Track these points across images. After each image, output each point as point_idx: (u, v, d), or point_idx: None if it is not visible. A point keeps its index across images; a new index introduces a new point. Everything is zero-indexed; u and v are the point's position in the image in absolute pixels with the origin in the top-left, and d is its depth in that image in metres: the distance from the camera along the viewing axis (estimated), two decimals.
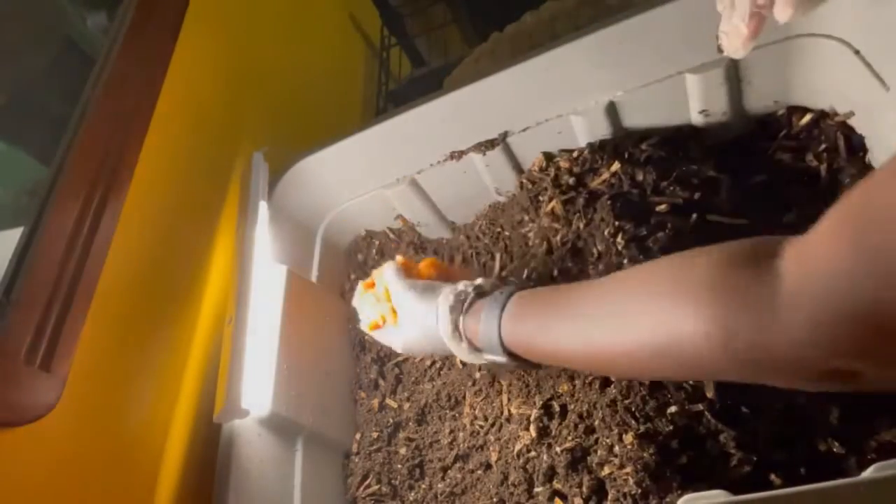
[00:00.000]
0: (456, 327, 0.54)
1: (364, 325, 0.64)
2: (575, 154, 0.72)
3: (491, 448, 0.63)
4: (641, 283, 0.43)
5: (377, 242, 0.87)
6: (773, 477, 0.47)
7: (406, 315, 0.59)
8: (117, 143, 0.64)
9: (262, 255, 0.72)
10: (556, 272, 0.63)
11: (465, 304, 0.54)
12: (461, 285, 0.56)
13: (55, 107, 0.79)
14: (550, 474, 0.55)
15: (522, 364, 0.53)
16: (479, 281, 0.56)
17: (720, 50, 0.47)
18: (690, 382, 0.51)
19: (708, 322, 0.36)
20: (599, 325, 0.44)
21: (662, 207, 0.63)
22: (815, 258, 0.33)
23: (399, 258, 0.64)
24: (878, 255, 0.28)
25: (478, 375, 0.68)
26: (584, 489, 0.52)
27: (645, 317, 0.41)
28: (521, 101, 0.71)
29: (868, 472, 0.34)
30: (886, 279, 0.28)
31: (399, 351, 0.63)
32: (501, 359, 0.52)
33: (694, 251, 0.41)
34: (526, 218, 0.73)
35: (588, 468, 0.53)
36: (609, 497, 0.50)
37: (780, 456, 0.48)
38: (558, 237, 0.65)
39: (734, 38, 0.45)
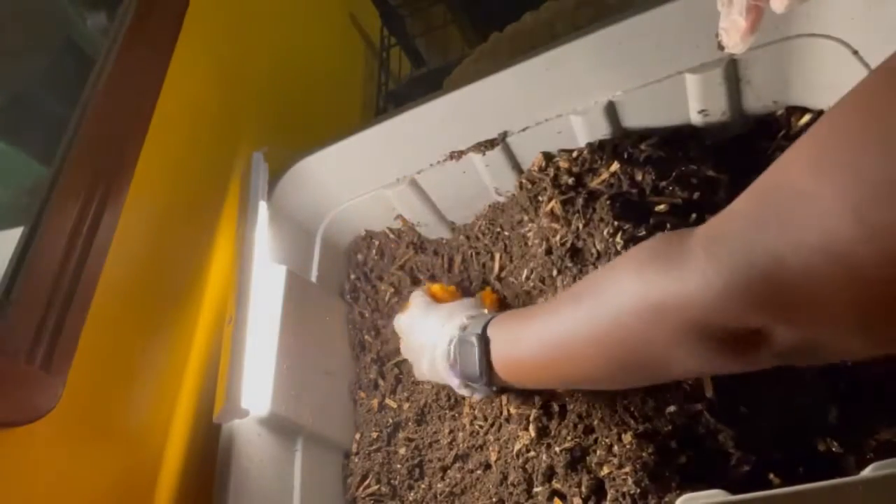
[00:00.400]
0: (451, 360, 0.58)
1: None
2: (574, 154, 0.72)
3: (490, 448, 0.63)
4: (587, 277, 0.49)
5: (377, 242, 0.87)
6: (771, 476, 0.47)
7: (414, 342, 0.65)
8: (117, 143, 0.64)
9: (262, 256, 0.72)
10: (555, 272, 0.64)
11: (454, 345, 0.57)
12: (460, 319, 0.60)
13: (55, 107, 0.79)
14: (549, 474, 0.55)
15: (504, 390, 0.57)
16: (463, 320, 0.59)
17: (720, 47, 0.47)
18: (690, 382, 0.52)
19: (635, 281, 0.39)
20: (563, 322, 0.47)
21: (662, 207, 0.63)
22: (724, 219, 0.36)
23: (428, 286, 0.73)
24: (779, 213, 0.32)
25: None
26: (584, 489, 0.52)
27: (594, 298, 0.44)
28: (521, 101, 0.71)
29: (867, 472, 0.35)
30: (783, 232, 0.31)
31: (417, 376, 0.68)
32: (481, 385, 0.56)
33: None
34: (525, 218, 0.73)
35: (587, 468, 0.53)
36: (608, 497, 0.50)
37: (779, 455, 0.49)
38: (557, 237, 0.65)
39: (733, 33, 0.45)
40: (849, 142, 0.31)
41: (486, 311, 0.64)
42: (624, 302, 0.40)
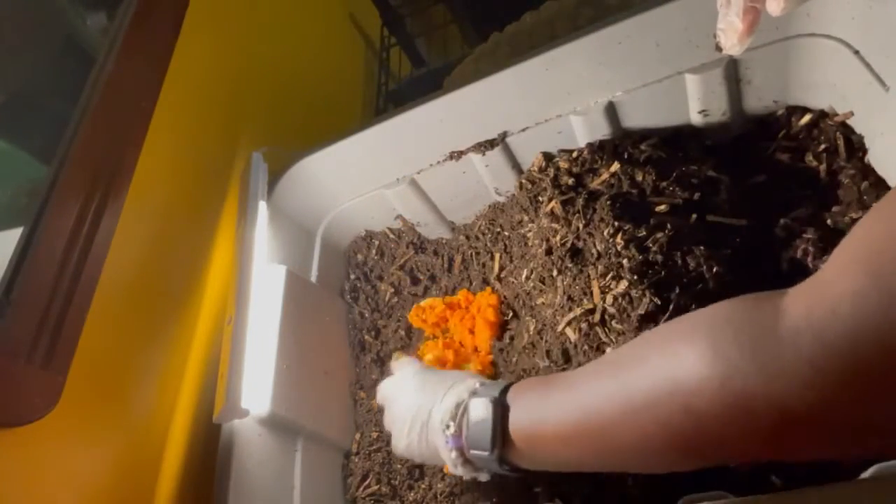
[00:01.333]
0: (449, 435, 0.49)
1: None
2: (574, 154, 0.72)
3: None
4: (639, 340, 0.41)
5: (377, 242, 0.87)
6: (773, 478, 0.47)
7: (397, 410, 0.55)
8: (117, 143, 0.64)
9: (262, 256, 0.72)
10: (555, 272, 0.63)
11: (461, 410, 0.48)
12: (461, 389, 0.51)
13: (55, 107, 0.79)
14: None
15: (515, 470, 0.47)
16: (475, 385, 0.50)
17: (718, 48, 0.47)
18: None
19: (706, 357, 0.34)
20: (601, 390, 0.40)
21: (662, 208, 0.63)
22: (822, 297, 0.31)
23: (422, 350, 0.70)
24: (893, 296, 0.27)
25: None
26: (584, 489, 0.52)
27: (645, 365, 0.38)
28: (521, 101, 0.71)
29: (868, 473, 0.35)
30: None
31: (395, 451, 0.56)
32: (490, 460, 0.46)
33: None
34: (525, 218, 0.73)
35: None
36: (609, 497, 0.50)
37: None
38: (558, 237, 0.65)
39: (730, 34, 0.45)
40: None
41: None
42: (692, 378, 0.34)
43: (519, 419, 0.45)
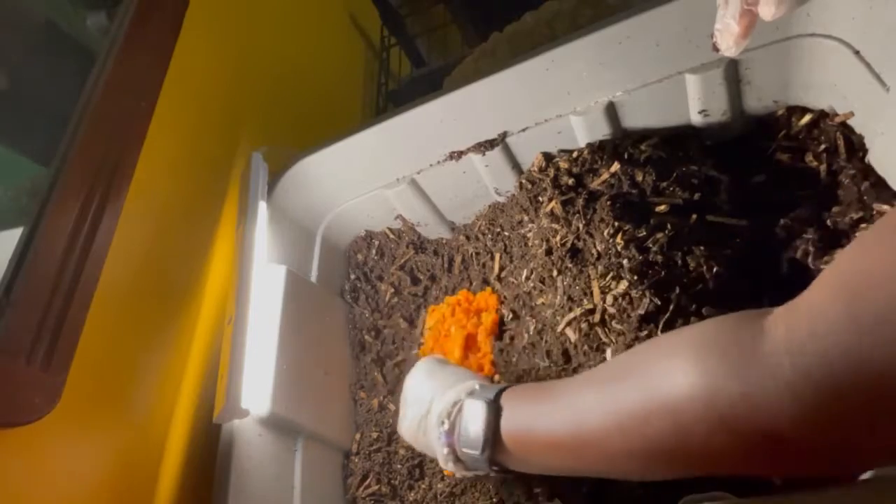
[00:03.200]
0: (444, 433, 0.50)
1: None
2: (574, 154, 0.72)
3: None
4: (629, 354, 0.42)
5: (377, 242, 0.87)
6: (773, 478, 0.47)
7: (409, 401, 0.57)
8: (117, 143, 0.64)
9: (262, 256, 0.72)
10: (555, 272, 0.63)
11: (457, 409, 0.50)
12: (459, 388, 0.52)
13: (55, 107, 0.79)
14: None
15: (504, 471, 0.49)
16: (475, 385, 0.52)
17: (716, 48, 0.47)
18: None
19: (692, 375, 0.35)
20: (590, 402, 0.42)
21: (662, 208, 0.63)
22: (801, 320, 0.32)
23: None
24: (875, 321, 0.28)
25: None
26: (584, 489, 0.52)
27: (633, 380, 0.39)
28: (521, 101, 0.71)
29: (868, 474, 0.35)
30: (878, 341, 0.27)
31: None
32: (480, 460, 0.48)
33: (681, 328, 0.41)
34: (525, 218, 0.73)
35: None
36: (609, 497, 0.50)
37: None
38: (558, 237, 0.65)
39: (727, 36, 0.45)
40: None
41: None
42: (679, 396, 0.35)
43: (511, 423, 0.47)
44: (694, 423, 0.35)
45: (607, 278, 0.58)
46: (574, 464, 0.44)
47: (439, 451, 0.51)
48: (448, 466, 0.51)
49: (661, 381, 0.37)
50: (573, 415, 0.42)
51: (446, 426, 0.50)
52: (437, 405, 0.52)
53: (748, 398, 0.32)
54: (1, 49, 0.74)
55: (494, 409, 0.48)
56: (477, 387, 0.51)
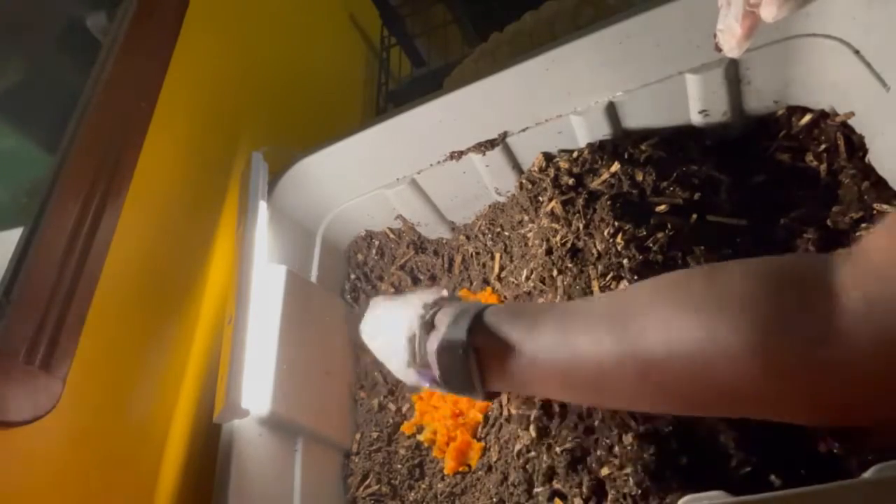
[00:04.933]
0: (414, 348, 0.47)
1: None
2: (575, 154, 0.72)
3: (491, 448, 0.63)
4: (667, 287, 0.38)
5: (377, 242, 0.87)
6: (773, 478, 0.47)
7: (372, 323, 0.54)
8: (117, 143, 0.64)
9: (262, 255, 0.72)
10: (556, 272, 0.63)
11: (427, 319, 0.47)
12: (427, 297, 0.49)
13: (55, 106, 0.79)
14: (550, 474, 0.55)
15: (478, 390, 0.45)
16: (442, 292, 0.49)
17: (717, 49, 0.47)
18: None
19: (748, 335, 0.32)
20: (596, 342, 0.38)
21: (662, 208, 0.63)
22: (882, 282, 0.29)
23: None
24: None
25: None
26: (584, 489, 0.51)
27: (655, 329, 0.35)
28: (521, 101, 0.71)
29: (868, 474, 0.34)
30: None
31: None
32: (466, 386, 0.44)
33: (727, 263, 0.36)
34: (526, 218, 0.73)
35: (588, 468, 0.53)
36: (609, 497, 0.50)
37: (781, 456, 0.48)
38: (558, 237, 0.65)
39: (729, 37, 0.45)
40: None
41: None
42: (719, 342, 0.33)
43: (499, 352, 0.43)
44: (742, 380, 0.32)
45: (607, 278, 0.58)
46: (565, 395, 0.42)
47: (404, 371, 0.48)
48: (412, 380, 0.48)
49: (707, 331, 0.33)
50: (579, 352, 0.39)
51: (419, 361, 0.47)
52: (403, 347, 0.48)
53: (819, 356, 0.30)
54: (17, 42, 0.74)
55: (474, 349, 0.44)
56: (429, 300, 0.48)
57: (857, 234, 0.56)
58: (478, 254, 0.79)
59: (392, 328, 0.51)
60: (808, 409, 0.33)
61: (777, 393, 0.33)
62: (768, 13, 0.41)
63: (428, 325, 0.47)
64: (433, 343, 0.46)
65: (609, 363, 0.37)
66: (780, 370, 0.32)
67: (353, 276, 0.86)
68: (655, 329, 0.36)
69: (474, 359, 0.44)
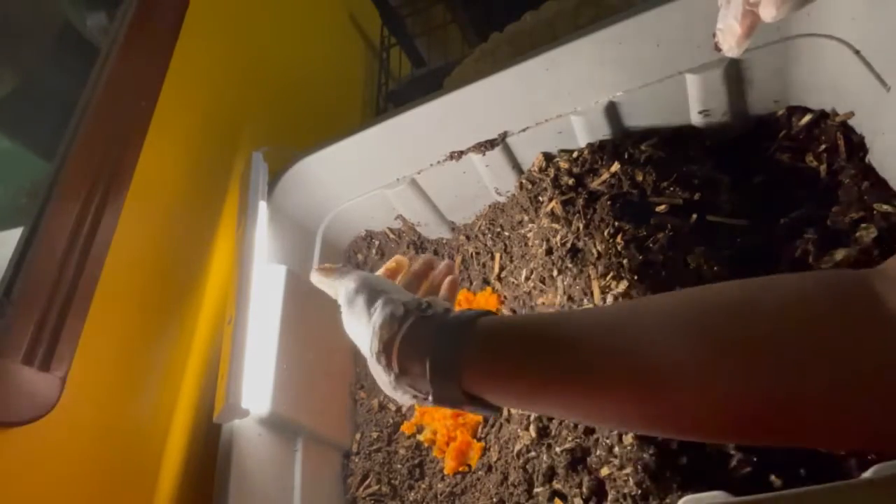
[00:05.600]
0: (386, 349, 0.42)
1: None
2: (575, 154, 0.72)
3: (491, 448, 0.63)
4: (685, 318, 0.34)
5: (377, 242, 0.87)
6: (773, 478, 0.47)
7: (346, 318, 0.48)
8: (118, 143, 0.64)
9: (262, 256, 0.72)
10: (555, 272, 0.63)
11: (405, 324, 0.42)
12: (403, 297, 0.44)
13: (55, 106, 0.79)
14: (550, 475, 0.55)
15: (476, 404, 0.39)
16: (427, 299, 0.44)
17: (717, 48, 0.47)
18: None
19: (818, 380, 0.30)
20: (603, 367, 0.34)
21: (662, 208, 0.63)
22: None
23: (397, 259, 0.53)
24: None
25: None
26: (584, 489, 0.52)
27: (662, 358, 0.33)
28: (521, 101, 0.71)
29: (868, 473, 0.34)
30: None
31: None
32: (448, 390, 0.39)
33: (757, 284, 0.34)
34: (526, 218, 0.73)
35: (588, 469, 0.53)
36: (609, 498, 0.50)
37: (780, 457, 0.48)
38: (558, 237, 0.65)
39: (729, 37, 0.45)
40: None
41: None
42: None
43: (491, 354, 0.38)
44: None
45: (607, 278, 0.58)
46: (557, 412, 0.37)
47: (381, 376, 0.43)
48: (392, 392, 0.43)
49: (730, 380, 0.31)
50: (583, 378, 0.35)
51: (394, 349, 0.42)
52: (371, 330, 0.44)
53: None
54: (14, 49, 0.74)
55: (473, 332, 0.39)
56: (413, 305, 0.43)
57: (857, 234, 0.56)
58: (478, 254, 0.79)
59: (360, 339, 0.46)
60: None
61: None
62: (768, 13, 0.41)
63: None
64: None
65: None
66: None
67: None
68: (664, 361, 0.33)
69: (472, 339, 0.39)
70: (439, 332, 0.40)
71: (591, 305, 0.57)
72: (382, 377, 0.43)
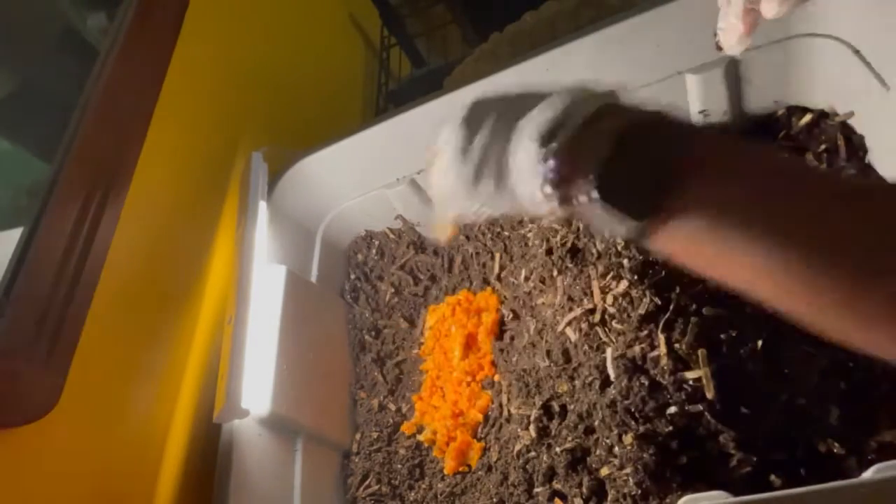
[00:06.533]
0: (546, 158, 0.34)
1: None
2: None
3: (491, 448, 0.63)
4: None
5: (377, 242, 0.87)
6: (773, 478, 0.47)
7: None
8: (117, 143, 0.64)
9: (262, 256, 0.72)
10: (555, 272, 0.63)
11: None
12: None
13: (55, 106, 0.79)
14: (550, 474, 0.55)
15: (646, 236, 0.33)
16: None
17: (718, 47, 0.47)
18: (690, 383, 0.51)
19: None
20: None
21: None
22: None
23: None
24: None
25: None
26: (584, 490, 0.52)
27: None
28: None
29: (868, 473, 0.35)
30: None
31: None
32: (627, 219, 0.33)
33: None
34: (525, 218, 0.73)
35: (588, 469, 0.53)
36: (609, 498, 0.50)
37: (780, 456, 0.48)
38: (558, 237, 0.65)
39: (730, 35, 0.45)
40: None
41: None
42: None
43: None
44: None
45: (607, 278, 0.58)
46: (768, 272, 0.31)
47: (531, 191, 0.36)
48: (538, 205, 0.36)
49: None
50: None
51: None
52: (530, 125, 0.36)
53: None
54: (13, 50, 0.74)
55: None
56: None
57: None
58: (478, 254, 0.79)
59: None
60: None
61: None
62: (769, 10, 0.41)
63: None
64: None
65: None
66: None
67: (353, 276, 0.86)
68: None
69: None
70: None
71: (590, 305, 0.57)
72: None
